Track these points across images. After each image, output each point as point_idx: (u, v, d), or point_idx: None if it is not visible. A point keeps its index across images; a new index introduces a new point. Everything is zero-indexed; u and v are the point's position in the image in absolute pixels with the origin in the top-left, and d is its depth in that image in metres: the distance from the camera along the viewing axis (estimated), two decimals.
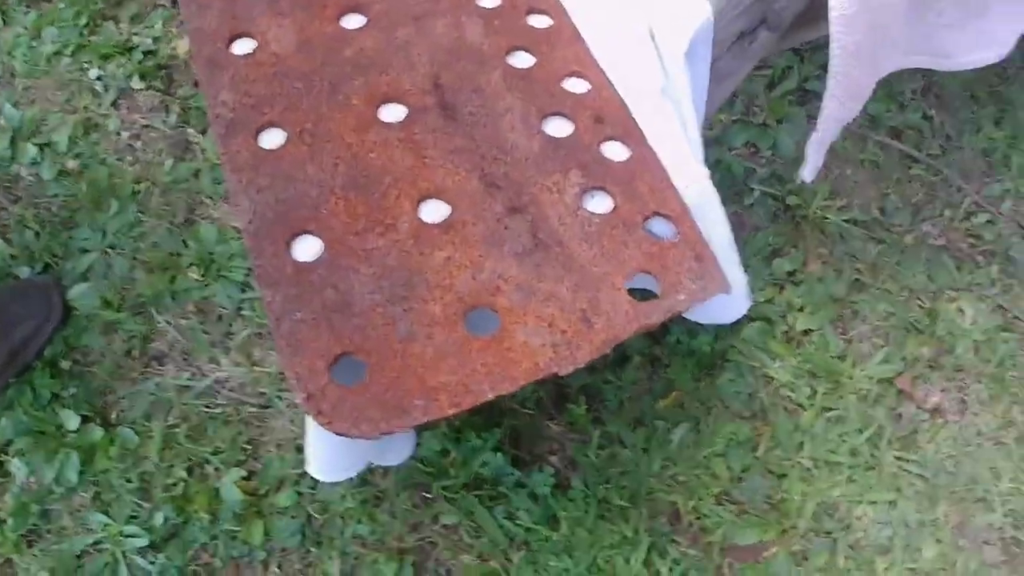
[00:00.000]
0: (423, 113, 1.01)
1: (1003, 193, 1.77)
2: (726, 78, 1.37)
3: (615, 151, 1.01)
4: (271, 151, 0.98)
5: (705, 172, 1.05)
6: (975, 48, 1.30)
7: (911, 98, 1.89)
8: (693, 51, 1.15)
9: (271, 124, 1.00)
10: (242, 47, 1.07)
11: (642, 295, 0.91)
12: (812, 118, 1.87)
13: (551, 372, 0.84)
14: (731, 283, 0.94)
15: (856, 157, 1.80)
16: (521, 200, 0.95)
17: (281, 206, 0.93)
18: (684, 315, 1.00)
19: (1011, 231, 1.72)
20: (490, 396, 0.83)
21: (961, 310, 1.62)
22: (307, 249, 0.91)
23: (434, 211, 0.94)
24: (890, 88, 1.87)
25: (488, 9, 1.12)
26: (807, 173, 1.25)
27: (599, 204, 0.97)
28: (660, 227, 0.96)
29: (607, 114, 1.03)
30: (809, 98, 1.89)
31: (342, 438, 0.82)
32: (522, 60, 1.08)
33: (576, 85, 1.06)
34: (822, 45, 1.98)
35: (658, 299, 0.90)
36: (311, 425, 0.99)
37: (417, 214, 0.93)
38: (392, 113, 1.02)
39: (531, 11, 1.12)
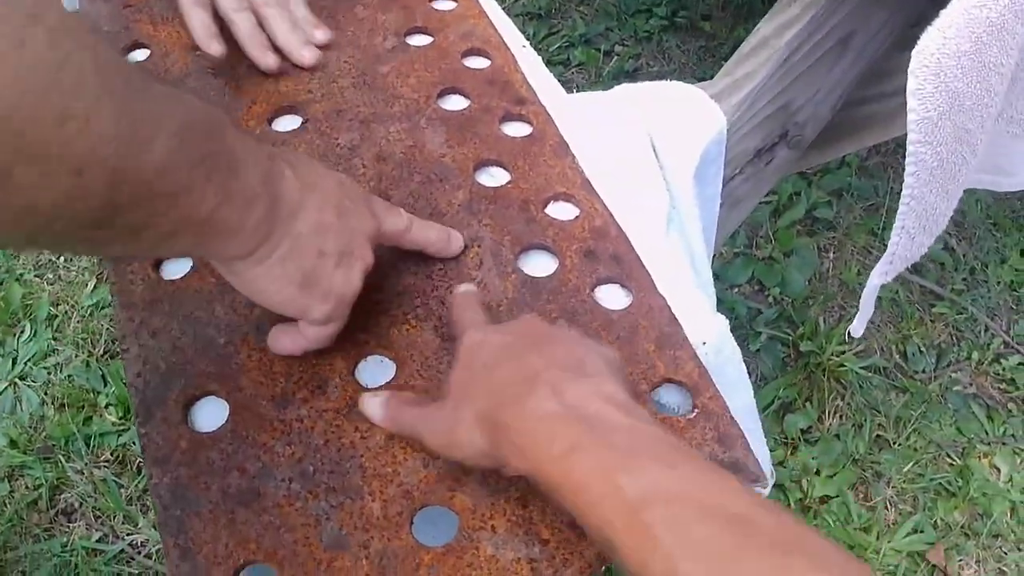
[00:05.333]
0: None
1: None
2: (737, 204, 1.17)
3: (612, 297, 0.79)
4: (171, 283, 0.76)
5: (724, 323, 0.83)
6: None
7: None
8: (703, 170, 0.96)
9: None
10: None
11: None
12: (823, 250, 1.71)
13: None
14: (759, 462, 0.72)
15: None
16: None
17: (178, 356, 0.71)
18: None
19: None
20: None
21: (995, 466, 1.41)
22: (209, 416, 0.69)
23: (376, 371, 0.72)
24: None
25: (454, 113, 0.91)
26: (858, 327, 1.01)
27: None
28: (671, 397, 0.73)
29: (601, 248, 0.81)
30: (819, 227, 1.71)
31: None
32: (494, 177, 0.87)
33: (562, 210, 0.84)
34: (831, 168, 1.82)
35: None
36: None
37: (353, 374, 0.71)
38: None
39: (507, 117, 0.92)
